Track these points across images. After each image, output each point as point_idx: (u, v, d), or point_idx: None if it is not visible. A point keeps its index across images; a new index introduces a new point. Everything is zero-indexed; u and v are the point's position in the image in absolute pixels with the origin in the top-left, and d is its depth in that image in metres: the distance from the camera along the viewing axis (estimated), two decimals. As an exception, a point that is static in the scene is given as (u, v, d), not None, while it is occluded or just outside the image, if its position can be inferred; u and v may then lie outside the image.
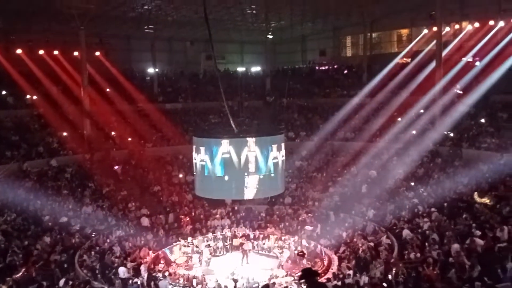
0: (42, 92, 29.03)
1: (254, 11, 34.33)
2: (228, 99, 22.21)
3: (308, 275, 5.99)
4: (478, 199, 18.10)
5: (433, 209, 18.70)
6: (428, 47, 29.86)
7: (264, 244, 21.95)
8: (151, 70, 37.85)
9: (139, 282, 16.35)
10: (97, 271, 16.97)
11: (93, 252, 18.36)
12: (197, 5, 27.46)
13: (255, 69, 44.81)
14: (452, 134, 25.70)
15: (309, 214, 23.27)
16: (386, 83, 30.60)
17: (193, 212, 24.13)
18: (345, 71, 38.80)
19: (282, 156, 16.82)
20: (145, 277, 17.13)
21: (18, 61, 29.03)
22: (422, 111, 27.45)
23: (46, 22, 30.15)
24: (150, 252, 19.98)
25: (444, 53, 27.77)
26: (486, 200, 17.78)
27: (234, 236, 22.17)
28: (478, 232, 14.98)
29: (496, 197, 17.91)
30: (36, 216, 20.20)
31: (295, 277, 17.02)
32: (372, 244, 18.54)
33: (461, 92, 26.88)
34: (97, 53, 32.18)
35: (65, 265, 16.80)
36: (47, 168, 25.11)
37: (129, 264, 17.90)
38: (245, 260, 20.16)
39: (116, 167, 26.61)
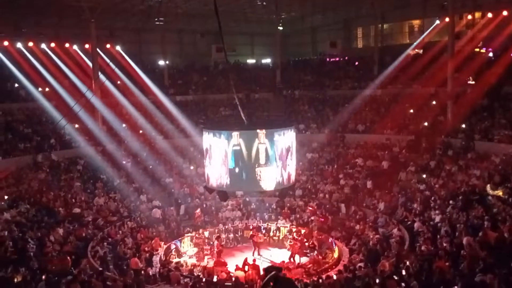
0: (53, 84, 29.19)
1: (264, 3, 34.19)
2: (238, 91, 22.26)
3: (271, 272, 5.71)
4: (491, 192, 17.95)
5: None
6: (441, 38, 29.47)
7: (274, 236, 22.04)
8: (161, 62, 37.92)
9: (151, 273, 16.50)
10: (109, 262, 17.16)
11: (105, 243, 18.54)
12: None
13: (266, 60, 44.70)
14: (464, 126, 25.48)
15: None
16: (397, 75, 30.38)
17: (204, 204, 24.25)
18: (356, 63, 38.55)
19: (293, 148, 16.79)
20: (157, 268, 17.29)
21: (30, 53, 29.25)
22: (434, 102, 27.29)
23: (57, 15, 30.28)
24: (162, 243, 20.14)
25: (456, 44, 27.44)
26: (499, 193, 17.63)
27: (245, 228, 22.27)
28: (491, 225, 14.88)
29: (509, 189, 17.76)
30: (49, 208, 20.42)
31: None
32: (383, 236, 18.54)
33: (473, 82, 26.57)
34: (108, 46, 32.30)
35: (78, 256, 16.99)
36: (60, 160, 25.30)
37: (141, 255, 18.08)
38: (256, 252, 20.23)
39: (125, 162, 26.68)
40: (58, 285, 11.93)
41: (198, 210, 23.61)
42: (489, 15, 28.58)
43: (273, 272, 5.15)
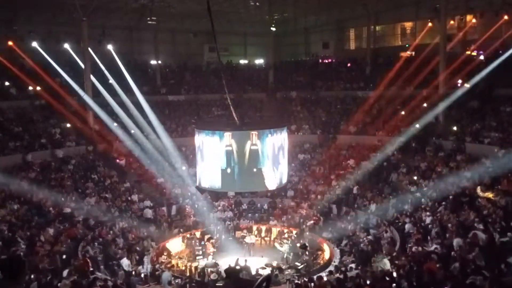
0: (44, 83, 28.92)
1: (257, 3, 34.19)
2: (230, 91, 22.21)
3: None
4: (481, 194, 18.07)
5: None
6: (434, 41, 29.59)
7: (266, 237, 22.04)
8: (153, 62, 37.78)
9: (142, 274, 16.46)
10: (100, 262, 17.06)
11: (96, 243, 18.45)
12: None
13: (258, 61, 44.70)
14: (455, 128, 25.63)
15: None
16: (389, 76, 30.45)
17: (196, 204, 24.19)
18: (349, 64, 38.65)
19: (285, 149, 16.81)
20: (148, 269, 17.23)
21: (21, 51, 28.99)
22: (425, 104, 27.38)
23: (49, 13, 30.04)
24: (153, 243, 20.06)
25: (448, 46, 27.58)
26: (489, 195, 17.76)
27: (237, 228, 22.25)
28: (481, 226, 14.97)
29: (499, 191, 17.89)
30: (39, 207, 20.26)
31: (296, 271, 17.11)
32: (374, 237, 18.61)
33: (467, 86, 26.64)
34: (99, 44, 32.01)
35: (68, 256, 16.88)
36: (50, 160, 25.12)
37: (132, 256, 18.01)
38: (247, 252, 20.22)
39: (118, 160, 26.52)
40: (50, 285, 11.87)
41: (190, 210, 23.56)
42: (481, 17, 28.81)
43: (267, 273, 5.16)
